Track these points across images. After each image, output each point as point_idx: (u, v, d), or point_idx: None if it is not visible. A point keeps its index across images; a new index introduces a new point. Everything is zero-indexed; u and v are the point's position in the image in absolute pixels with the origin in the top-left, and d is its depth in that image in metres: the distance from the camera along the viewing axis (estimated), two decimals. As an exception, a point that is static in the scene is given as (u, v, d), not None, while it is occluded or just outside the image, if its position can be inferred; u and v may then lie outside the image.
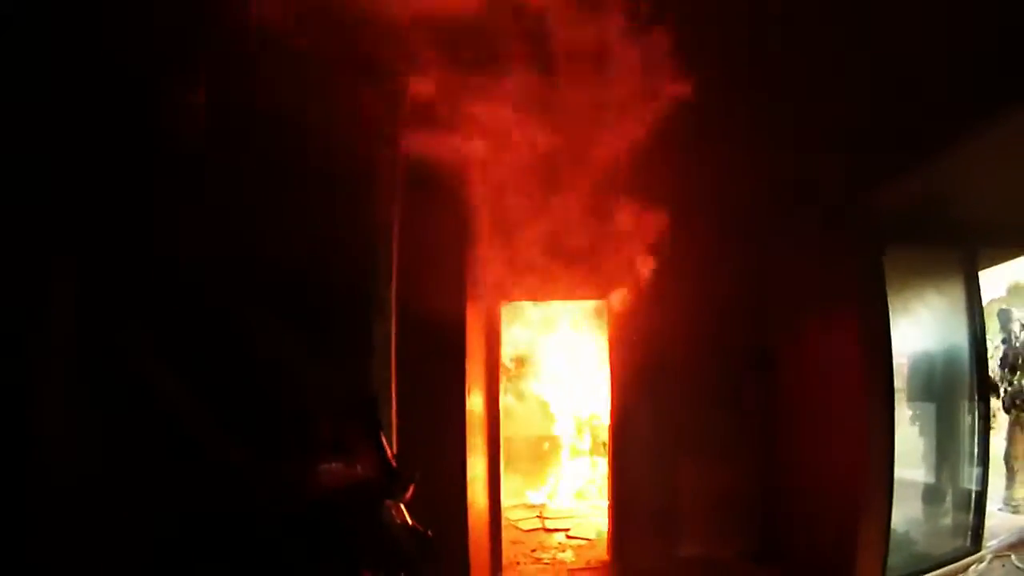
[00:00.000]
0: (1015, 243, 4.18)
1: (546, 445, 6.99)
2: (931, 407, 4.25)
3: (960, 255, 4.06)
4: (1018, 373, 4.86)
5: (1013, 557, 3.90)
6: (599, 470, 6.41)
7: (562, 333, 6.86)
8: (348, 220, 2.93)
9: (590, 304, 6.18)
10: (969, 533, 4.05)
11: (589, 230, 4.16)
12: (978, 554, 3.95)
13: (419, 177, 3.10)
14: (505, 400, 5.54)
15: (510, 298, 4.70)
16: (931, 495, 4.19)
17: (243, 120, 2.53)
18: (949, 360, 4.15)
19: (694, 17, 2.72)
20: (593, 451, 6.73)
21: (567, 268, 4.33)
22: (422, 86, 2.86)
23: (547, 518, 5.51)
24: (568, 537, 5.03)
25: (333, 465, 1.30)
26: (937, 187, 3.36)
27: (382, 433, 1.44)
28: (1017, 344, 4.94)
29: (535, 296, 4.83)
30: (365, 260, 2.73)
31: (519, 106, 3.36)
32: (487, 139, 3.48)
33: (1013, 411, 4.81)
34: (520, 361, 6.91)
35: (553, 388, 7.01)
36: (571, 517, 5.53)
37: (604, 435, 6.64)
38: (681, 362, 4.28)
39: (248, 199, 2.42)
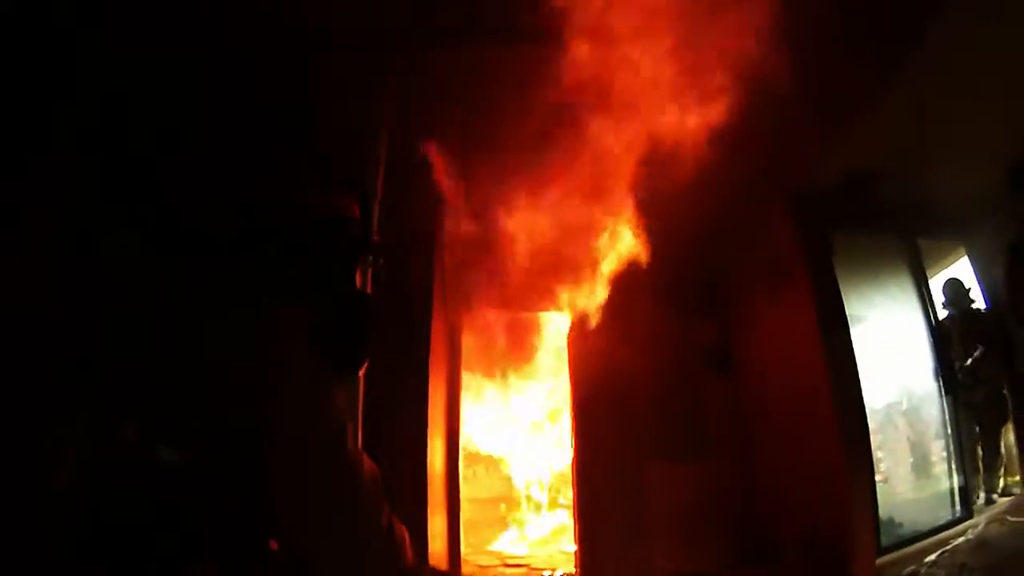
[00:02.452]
0: (951, 234, 4.68)
1: (503, 507, 6.72)
2: (898, 393, 4.48)
3: (904, 246, 4.50)
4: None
5: (1009, 517, 3.98)
6: (556, 519, 6.19)
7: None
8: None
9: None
10: (958, 503, 4.21)
11: (548, 240, 4.40)
12: (972, 520, 4.06)
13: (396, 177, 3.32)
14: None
15: (472, 308, 4.81)
16: (911, 478, 4.26)
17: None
18: (910, 345, 4.42)
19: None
20: (551, 505, 6.51)
21: (528, 277, 4.56)
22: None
23: (507, 557, 5.19)
24: (530, 569, 4.74)
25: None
26: (863, 163, 3.76)
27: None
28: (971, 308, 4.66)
29: (497, 306, 4.94)
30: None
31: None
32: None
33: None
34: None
35: (508, 444, 6.88)
36: (531, 557, 5.23)
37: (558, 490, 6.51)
38: (642, 366, 4.38)
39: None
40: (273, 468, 0.69)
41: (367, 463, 0.80)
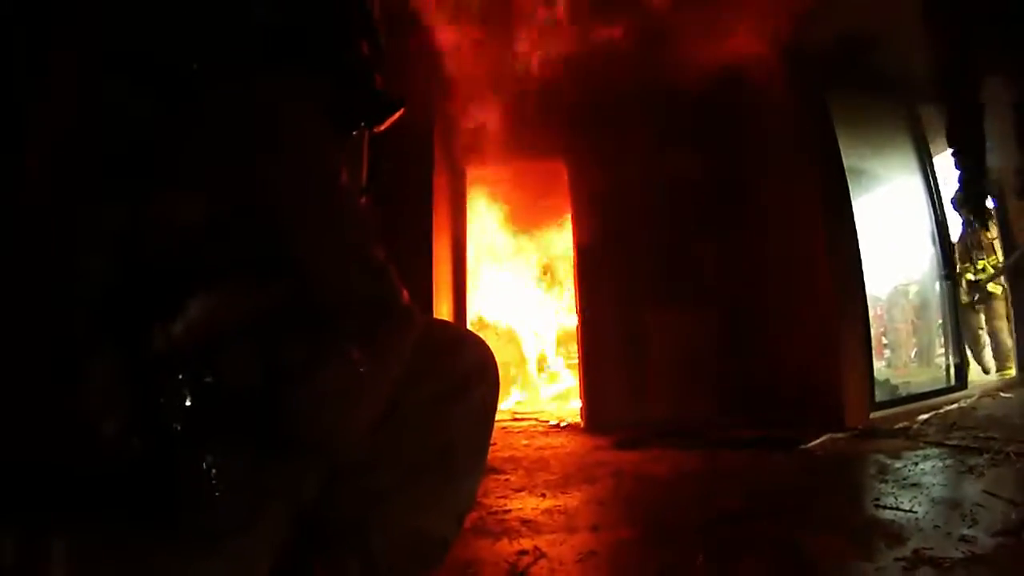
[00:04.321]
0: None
1: (513, 370, 6.99)
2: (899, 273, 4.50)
3: (905, 113, 4.32)
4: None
5: (1001, 392, 4.17)
6: (566, 379, 6.48)
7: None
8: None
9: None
10: (953, 374, 4.37)
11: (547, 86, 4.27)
12: (965, 390, 4.23)
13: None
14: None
15: (474, 163, 4.73)
16: (908, 347, 4.35)
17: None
18: (909, 215, 4.41)
19: None
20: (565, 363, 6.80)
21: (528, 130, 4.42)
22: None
23: (517, 413, 5.51)
24: (538, 421, 5.03)
25: None
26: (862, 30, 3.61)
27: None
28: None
29: (499, 160, 4.86)
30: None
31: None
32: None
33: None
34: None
35: (516, 305, 7.02)
36: (541, 412, 5.54)
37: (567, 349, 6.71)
38: (641, 210, 4.45)
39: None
40: (274, 205, 0.70)
41: (364, 209, 0.82)
